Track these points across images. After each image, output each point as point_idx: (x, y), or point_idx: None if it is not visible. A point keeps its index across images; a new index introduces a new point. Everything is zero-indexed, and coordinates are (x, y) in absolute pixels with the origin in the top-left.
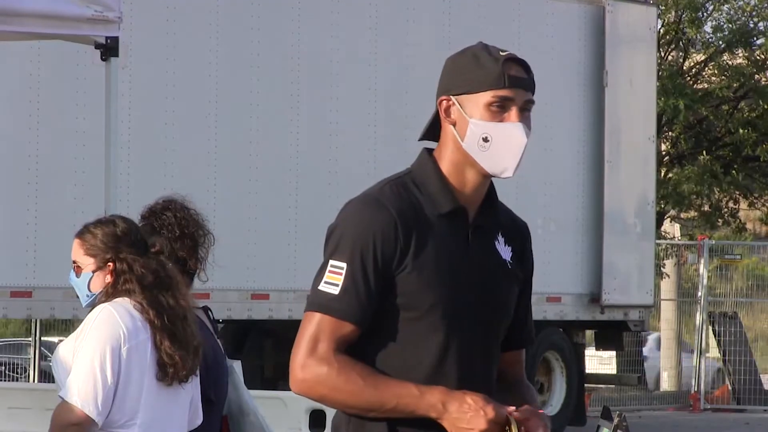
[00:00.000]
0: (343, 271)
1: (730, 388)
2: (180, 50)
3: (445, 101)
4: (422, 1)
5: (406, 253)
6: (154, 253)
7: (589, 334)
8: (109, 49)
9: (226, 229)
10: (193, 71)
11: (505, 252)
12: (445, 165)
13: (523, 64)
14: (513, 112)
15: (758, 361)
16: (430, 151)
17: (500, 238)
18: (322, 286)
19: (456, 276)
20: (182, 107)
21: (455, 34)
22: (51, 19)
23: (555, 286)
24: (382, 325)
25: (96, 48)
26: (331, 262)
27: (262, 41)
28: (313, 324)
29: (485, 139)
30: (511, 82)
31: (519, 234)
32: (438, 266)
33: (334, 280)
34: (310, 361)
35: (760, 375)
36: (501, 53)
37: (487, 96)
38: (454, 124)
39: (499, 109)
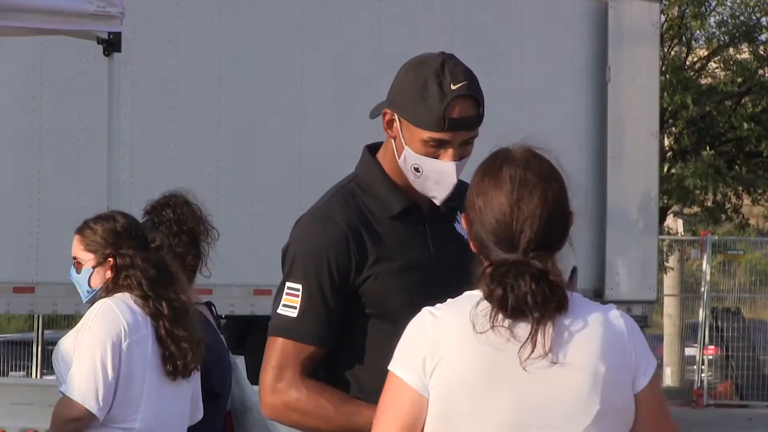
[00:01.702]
0: (300, 293)
1: (733, 383)
2: (182, 45)
3: (389, 114)
4: None
5: (364, 264)
6: (154, 248)
7: None
8: (111, 45)
9: (229, 225)
10: (196, 66)
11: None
12: (389, 166)
13: (474, 98)
14: (448, 152)
15: (761, 357)
16: (372, 151)
17: (459, 217)
18: (281, 310)
19: (422, 273)
20: (185, 103)
21: (458, 29)
22: (53, 14)
23: None
24: (359, 336)
25: (98, 43)
26: (287, 284)
27: (264, 37)
28: (277, 349)
29: (417, 169)
30: (451, 125)
31: None
32: (400, 268)
33: (292, 302)
34: (279, 386)
35: (764, 370)
36: (452, 87)
37: (424, 134)
38: (393, 138)
39: (434, 148)
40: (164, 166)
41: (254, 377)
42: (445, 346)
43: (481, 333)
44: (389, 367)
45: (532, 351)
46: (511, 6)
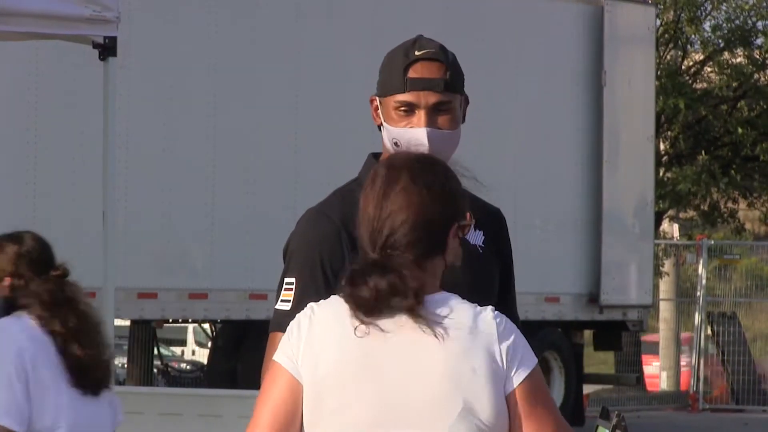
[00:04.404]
0: (293, 287)
1: (728, 388)
2: (178, 50)
3: (374, 101)
4: None
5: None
6: (55, 276)
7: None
8: (107, 49)
9: (224, 229)
10: (192, 71)
11: (475, 237)
12: None
13: (440, 62)
14: (417, 117)
15: (757, 361)
16: (377, 155)
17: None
18: (278, 305)
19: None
20: (180, 107)
21: (453, 33)
22: (49, 19)
23: (553, 286)
24: None
25: (94, 48)
26: (285, 279)
27: (261, 40)
28: (274, 344)
29: (396, 144)
30: (411, 85)
31: (490, 219)
32: None
33: (287, 297)
34: None
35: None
36: (417, 52)
37: (392, 101)
38: (380, 126)
39: (405, 114)
40: (159, 170)
41: (251, 382)
42: (317, 342)
43: (346, 331)
44: (272, 358)
45: (388, 349)
46: (507, 10)
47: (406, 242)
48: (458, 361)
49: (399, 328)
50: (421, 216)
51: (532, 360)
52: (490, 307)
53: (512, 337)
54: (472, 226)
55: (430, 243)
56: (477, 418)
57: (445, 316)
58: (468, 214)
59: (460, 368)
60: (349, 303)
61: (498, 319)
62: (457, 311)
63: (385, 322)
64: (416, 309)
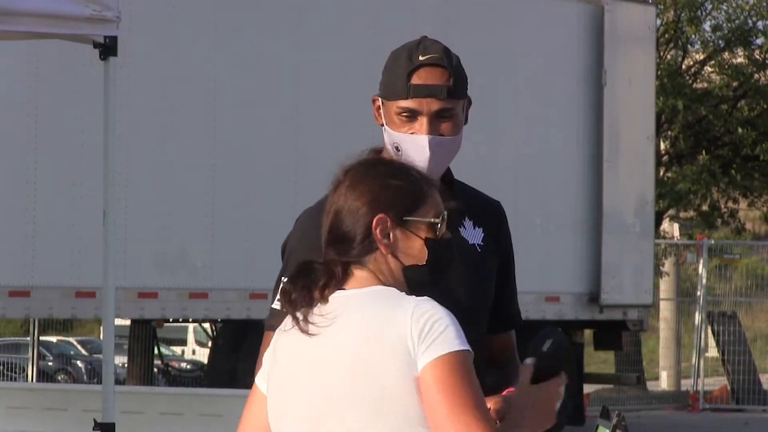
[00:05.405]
0: None
1: (729, 387)
2: (179, 49)
3: (376, 101)
4: None
5: None
6: None
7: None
8: (107, 49)
9: (225, 229)
10: (192, 70)
11: (474, 236)
12: None
13: (444, 67)
14: (420, 123)
15: (757, 361)
16: (378, 152)
17: (467, 223)
18: (276, 304)
19: (416, 272)
20: (181, 106)
21: (453, 32)
22: (49, 18)
23: (554, 285)
24: None
25: (94, 47)
26: (283, 279)
27: (261, 39)
28: (268, 343)
29: (397, 148)
30: (414, 92)
31: (491, 214)
32: None
33: None
34: None
35: (759, 375)
36: (421, 57)
37: (394, 106)
38: (382, 126)
39: (407, 119)
40: (160, 170)
41: (251, 382)
42: (278, 353)
43: (287, 334)
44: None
45: (310, 345)
46: (507, 9)
47: (331, 238)
48: (367, 350)
49: (318, 322)
50: (341, 211)
51: (448, 347)
52: (417, 298)
53: (427, 322)
54: (471, 224)
55: (353, 237)
56: (395, 405)
57: (351, 309)
58: (442, 213)
59: (367, 356)
60: (282, 302)
61: (417, 306)
62: (378, 303)
63: (311, 317)
64: (296, 310)
